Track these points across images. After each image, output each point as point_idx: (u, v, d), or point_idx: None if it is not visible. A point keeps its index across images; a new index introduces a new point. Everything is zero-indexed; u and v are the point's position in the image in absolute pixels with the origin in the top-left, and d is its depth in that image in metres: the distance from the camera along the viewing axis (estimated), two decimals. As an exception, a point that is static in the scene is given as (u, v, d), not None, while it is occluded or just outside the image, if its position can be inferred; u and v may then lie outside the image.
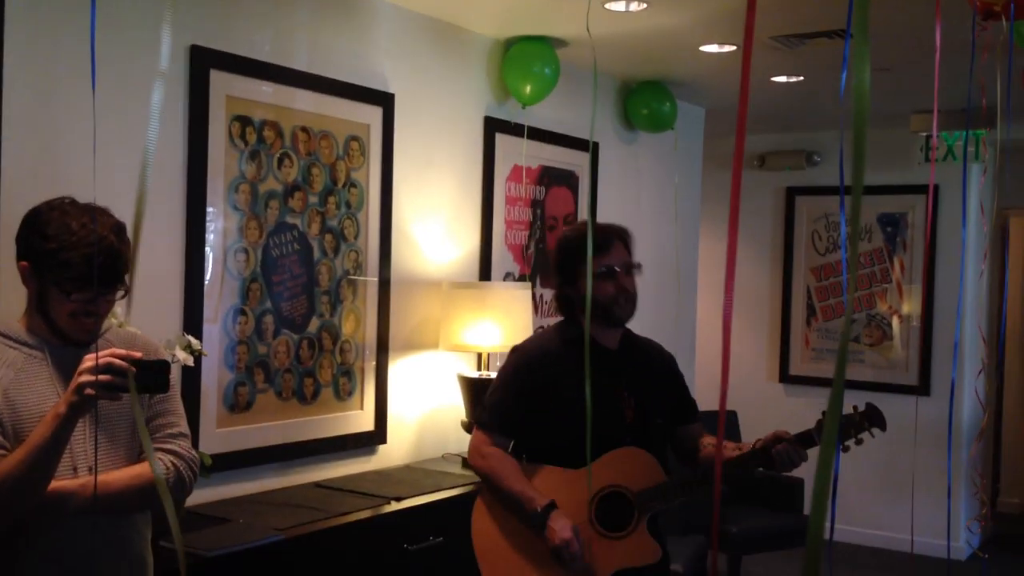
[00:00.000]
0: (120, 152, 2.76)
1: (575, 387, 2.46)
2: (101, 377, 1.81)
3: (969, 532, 6.34)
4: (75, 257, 1.90)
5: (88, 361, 1.84)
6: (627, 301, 2.58)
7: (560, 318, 2.73)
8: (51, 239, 1.92)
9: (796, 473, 5.35)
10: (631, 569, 2.51)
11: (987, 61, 2.52)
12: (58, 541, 1.94)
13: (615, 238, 2.60)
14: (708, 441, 2.68)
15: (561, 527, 2.41)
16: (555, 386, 2.54)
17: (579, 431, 2.44)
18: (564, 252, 2.63)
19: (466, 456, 3.83)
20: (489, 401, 2.64)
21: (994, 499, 6.98)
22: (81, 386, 1.82)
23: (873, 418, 2.50)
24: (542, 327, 4.52)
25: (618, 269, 2.57)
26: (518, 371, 2.61)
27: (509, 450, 2.62)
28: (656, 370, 2.69)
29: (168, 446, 2.06)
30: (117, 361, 1.83)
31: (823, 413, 2.52)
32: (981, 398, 6.52)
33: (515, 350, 2.68)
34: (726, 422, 5.15)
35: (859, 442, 2.51)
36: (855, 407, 2.52)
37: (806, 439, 2.48)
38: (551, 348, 2.62)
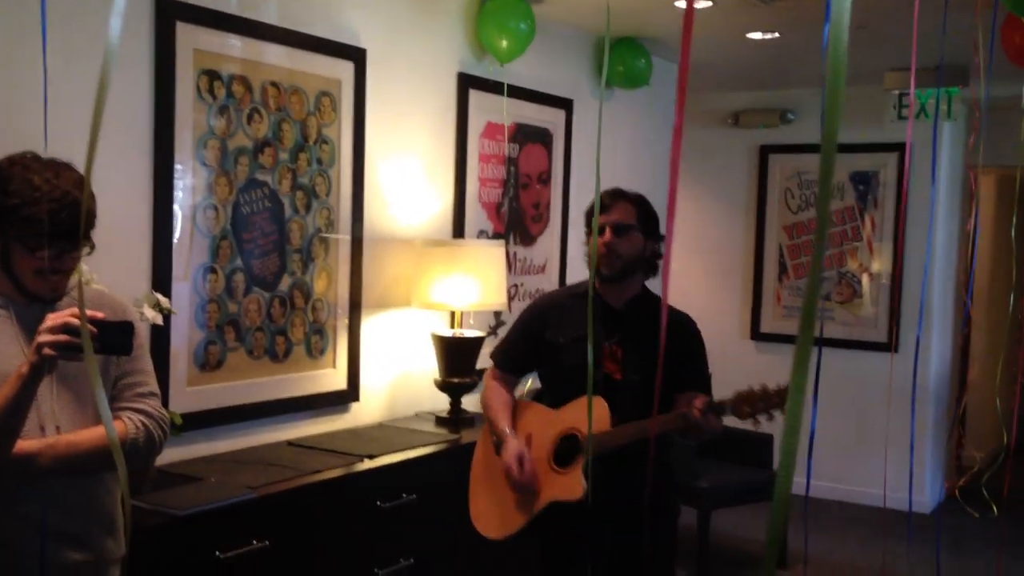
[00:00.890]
0: (79, 106, 2.70)
1: (560, 333, 2.79)
2: (59, 337, 1.79)
3: (938, 486, 6.46)
4: (39, 213, 1.86)
5: (48, 321, 1.82)
6: (609, 257, 2.72)
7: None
8: (13, 195, 1.87)
9: (765, 428, 5.39)
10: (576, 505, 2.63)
11: (961, 18, 2.50)
12: (27, 501, 1.92)
13: (620, 199, 2.78)
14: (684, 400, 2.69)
15: (507, 454, 2.71)
16: (548, 332, 2.82)
17: (560, 374, 2.79)
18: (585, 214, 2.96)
19: (439, 414, 3.86)
20: (503, 338, 3.03)
21: (959, 453, 7.11)
22: (40, 346, 1.80)
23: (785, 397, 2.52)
24: (515, 285, 4.52)
25: (607, 226, 2.73)
26: (527, 316, 2.95)
27: (517, 384, 2.96)
28: (658, 333, 2.73)
29: (137, 405, 2.04)
30: (75, 321, 1.81)
31: (750, 386, 2.53)
32: (965, 354, 6.61)
33: (533, 298, 3.08)
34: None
35: (770, 418, 2.56)
36: (779, 384, 2.57)
37: (717, 408, 2.58)
38: (557, 299, 2.92)
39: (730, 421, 2.70)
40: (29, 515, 1.92)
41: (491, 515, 2.82)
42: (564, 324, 2.79)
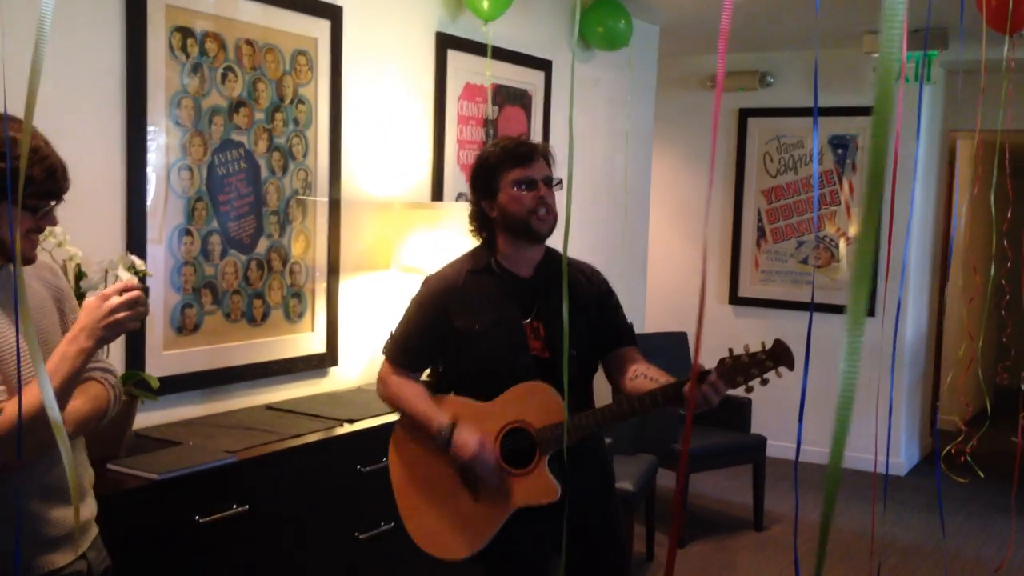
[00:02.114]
0: (48, 67, 2.63)
1: (473, 319, 2.49)
2: (135, 310, 1.86)
3: (914, 450, 6.52)
4: (37, 172, 1.83)
5: (116, 297, 1.85)
6: (547, 214, 2.48)
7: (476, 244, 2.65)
8: (3, 157, 1.83)
9: (745, 394, 5.40)
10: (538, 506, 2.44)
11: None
12: (45, 469, 1.90)
13: (538, 152, 2.52)
14: (637, 370, 2.52)
15: (465, 442, 2.40)
16: (453, 321, 2.51)
17: (480, 363, 2.49)
18: (484, 166, 2.53)
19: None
20: (395, 332, 2.62)
21: (934, 417, 7.18)
22: (120, 322, 1.84)
23: (780, 356, 2.33)
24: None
25: (539, 181, 2.48)
26: (421, 304, 2.58)
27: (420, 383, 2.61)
28: (578, 297, 2.52)
29: (103, 364, 2.02)
30: (143, 294, 1.88)
31: (730, 351, 2.36)
32: (942, 317, 6.64)
33: (424, 281, 2.62)
34: (675, 344, 5.12)
35: (764, 382, 2.36)
36: (763, 344, 2.36)
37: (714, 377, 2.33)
38: (454, 280, 2.55)
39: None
40: (45, 485, 1.89)
41: (446, 533, 2.51)
42: (473, 308, 2.50)
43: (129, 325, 1.87)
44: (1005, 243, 3.29)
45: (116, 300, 1.84)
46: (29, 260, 1.93)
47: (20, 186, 1.73)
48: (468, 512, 2.49)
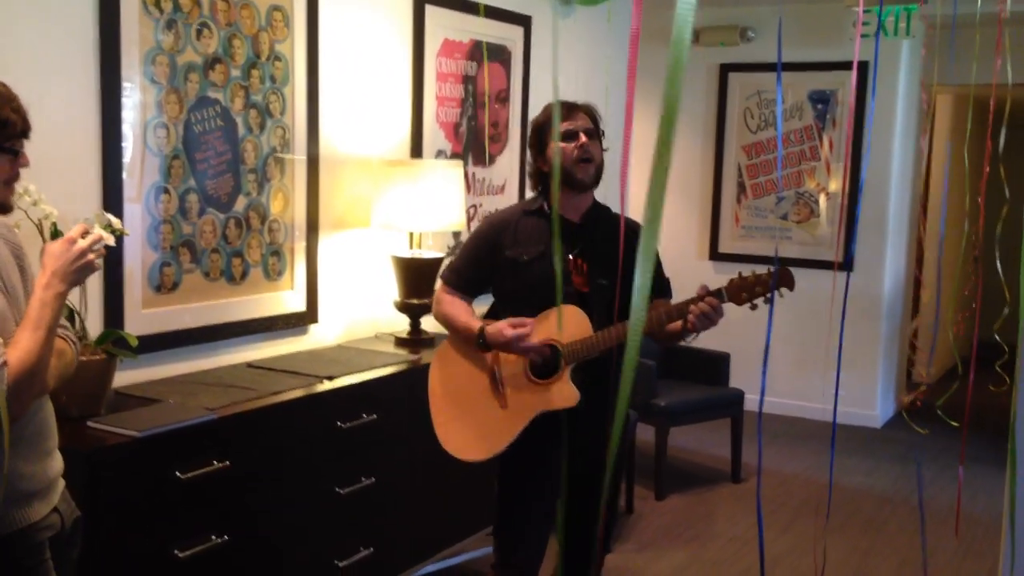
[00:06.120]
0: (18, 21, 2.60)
1: (522, 250, 2.76)
2: (103, 251, 1.93)
3: (889, 402, 6.62)
4: (9, 114, 1.82)
5: (82, 240, 1.89)
6: (588, 163, 2.73)
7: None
8: None
9: (722, 348, 5.42)
10: (558, 412, 2.68)
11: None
12: (20, 425, 1.90)
13: (579, 108, 2.79)
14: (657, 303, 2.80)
15: (498, 330, 2.67)
16: (505, 251, 2.78)
17: (525, 291, 2.77)
18: (534, 128, 2.85)
19: (398, 335, 3.86)
20: (453, 260, 2.95)
21: (909, 369, 7.27)
22: (90, 264, 1.89)
23: (783, 278, 2.59)
24: (474, 206, 4.50)
25: (580, 132, 2.72)
26: (477, 236, 2.87)
27: (470, 305, 2.87)
28: (617, 243, 2.77)
29: (63, 323, 2.01)
30: (102, 234, 1.94)
31: (739, 273, 2.65)
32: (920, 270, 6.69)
33: (483, 219, 2.99)
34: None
35: (768, 300, 2.56)
36: (768, 268, 2.62)
37: (717, 295, 2.62)
38: (509, 218, 2.84)
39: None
40: (18, 438, 1.89)
41: (472, 437, 2.76)
42: (523, 241, 2.77)
43: (96, 266, 1.92)
44: (980, 198, 3.33)
45: (84, 243, 1.88)
46: (8, 208, 1.93)
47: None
48: (494, 418, 2.73)
